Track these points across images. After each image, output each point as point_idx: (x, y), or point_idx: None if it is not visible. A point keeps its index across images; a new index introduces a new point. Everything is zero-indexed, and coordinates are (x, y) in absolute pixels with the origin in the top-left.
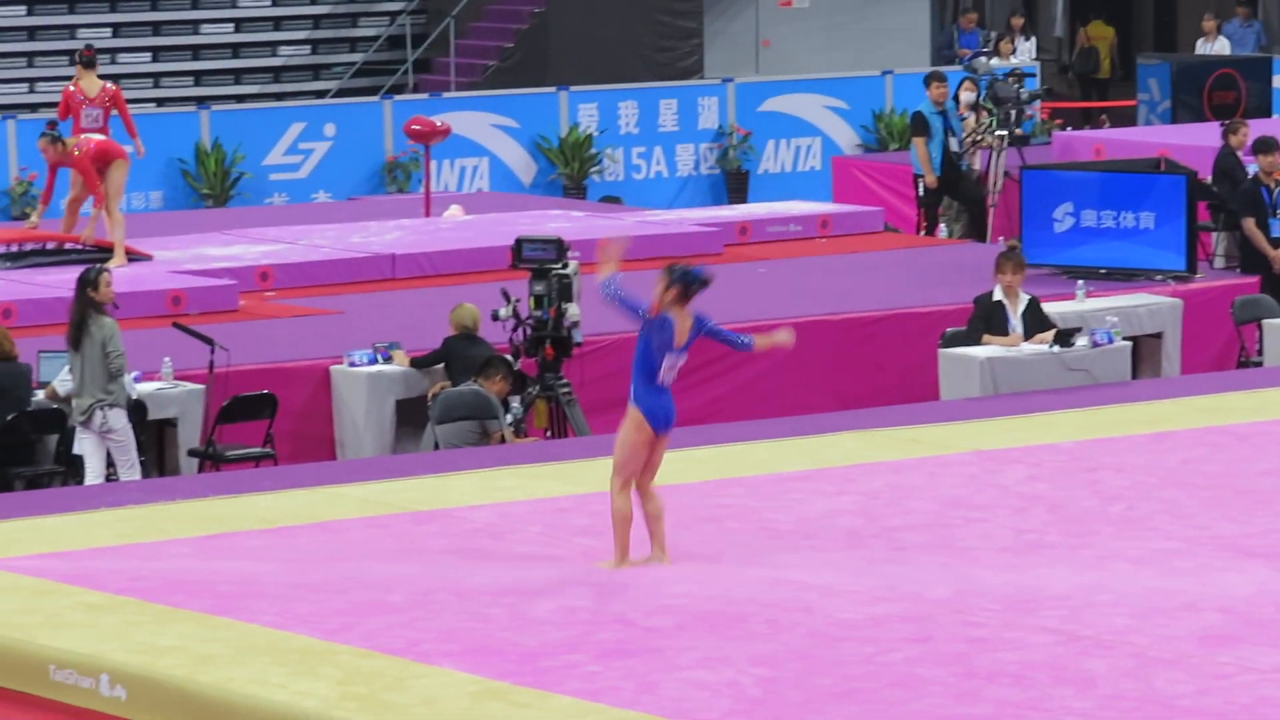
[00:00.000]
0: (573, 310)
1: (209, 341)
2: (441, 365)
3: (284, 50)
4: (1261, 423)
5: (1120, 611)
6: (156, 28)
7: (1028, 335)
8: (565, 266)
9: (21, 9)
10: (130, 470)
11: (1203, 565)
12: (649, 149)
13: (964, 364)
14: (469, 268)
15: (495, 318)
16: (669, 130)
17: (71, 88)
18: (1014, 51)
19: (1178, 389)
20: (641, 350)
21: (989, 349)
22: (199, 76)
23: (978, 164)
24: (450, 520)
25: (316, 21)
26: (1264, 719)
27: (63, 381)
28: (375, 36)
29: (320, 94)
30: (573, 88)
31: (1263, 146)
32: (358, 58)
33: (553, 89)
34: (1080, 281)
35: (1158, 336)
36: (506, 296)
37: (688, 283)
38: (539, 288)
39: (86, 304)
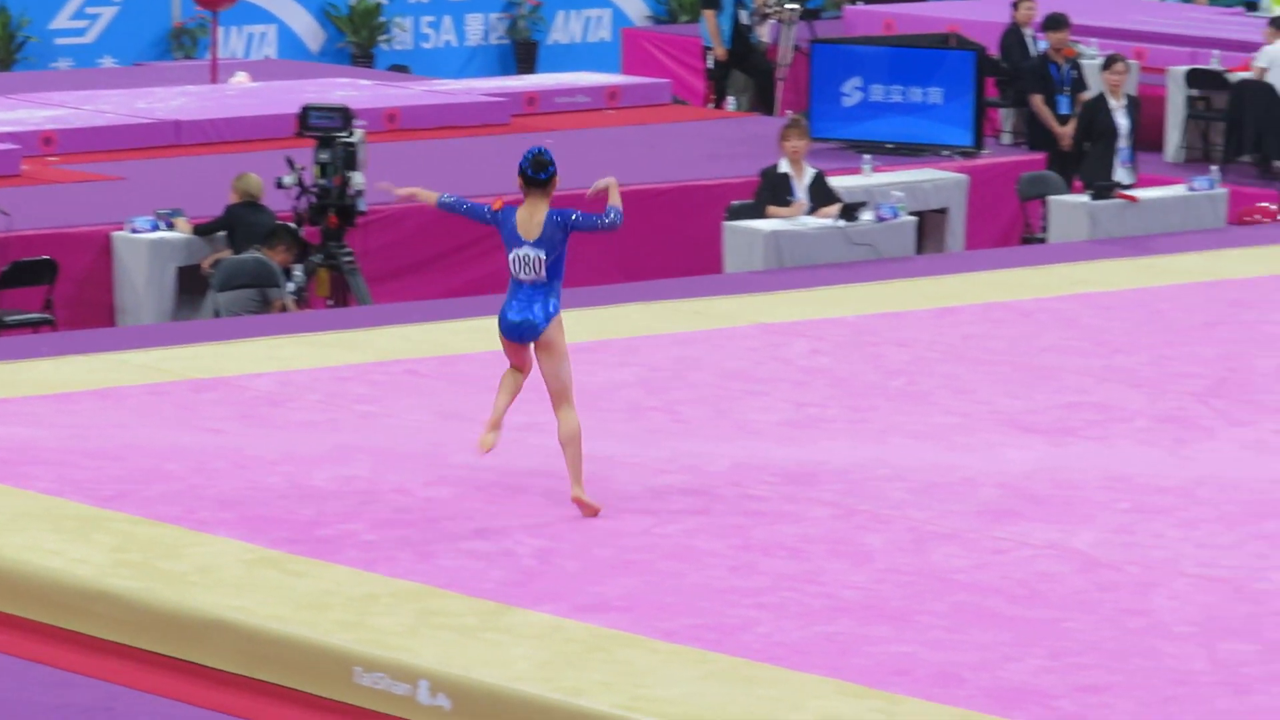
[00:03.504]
0: (357, 179)
1: None
2: (224, 233)
3: None
4: (1044, 299)
5: (898, 486)
6: None
7: (813, 209)
8: (351, 135)
9: None
10: None
11: (982, 441)
12: (438, 18)
13: (748, 237)
14: (254, 135)
15: (279, 185)
16: None
17: None
18: None
19: (962, 264)
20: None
21: (774, 222)
22: None
23: (767, 36)
24: (230, 388)
25: None
26: (1039, 593)
27: None
28: None
29: None
30: None
31: (1052, 24)
32: None
33: None
34: (866, 156)
35: (943, 212)
36: (291, 164)
37: (523, 168)
38: (324, 155)
39: None
